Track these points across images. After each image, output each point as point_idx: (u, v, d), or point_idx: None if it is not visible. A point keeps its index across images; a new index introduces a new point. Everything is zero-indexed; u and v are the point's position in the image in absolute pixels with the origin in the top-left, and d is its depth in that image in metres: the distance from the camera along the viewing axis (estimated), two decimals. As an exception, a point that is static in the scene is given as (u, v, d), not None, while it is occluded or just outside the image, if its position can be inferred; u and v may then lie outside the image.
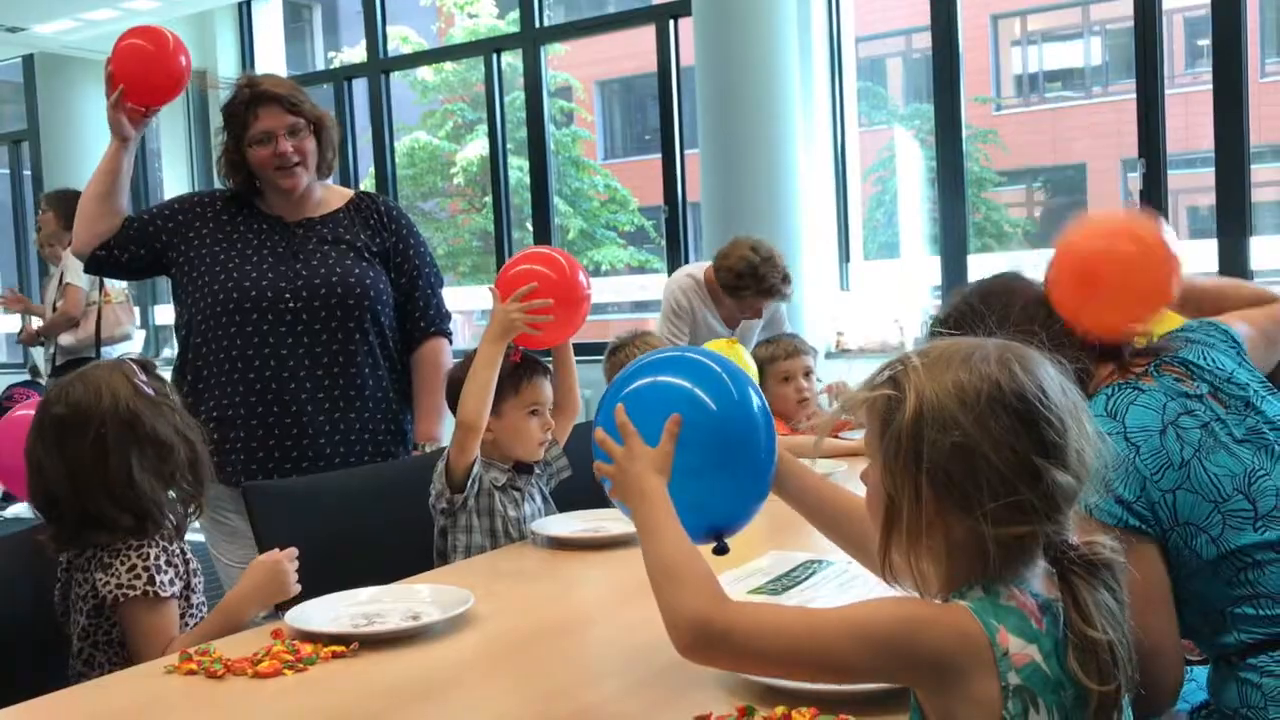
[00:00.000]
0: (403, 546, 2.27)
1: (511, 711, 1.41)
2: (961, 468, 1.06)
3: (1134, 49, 4.85)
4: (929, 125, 5.49)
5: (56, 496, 1.79)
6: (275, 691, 1.47)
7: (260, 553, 1.90)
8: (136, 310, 5.76)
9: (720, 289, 3.80)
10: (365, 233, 2.65)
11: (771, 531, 2.02)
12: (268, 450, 2.50)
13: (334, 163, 2.64)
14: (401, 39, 10.70)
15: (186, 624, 1.81)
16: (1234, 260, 4.59)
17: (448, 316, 2.77)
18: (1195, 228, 9.39)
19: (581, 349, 2.59)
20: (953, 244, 5.30)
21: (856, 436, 2.71)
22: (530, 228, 6.90)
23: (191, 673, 1.53)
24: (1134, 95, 4.86)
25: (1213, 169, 4.64)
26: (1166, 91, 4.80)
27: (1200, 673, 1.62)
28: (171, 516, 1.83)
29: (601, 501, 1.43)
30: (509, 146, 7.03)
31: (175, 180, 8.14)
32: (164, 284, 7.28)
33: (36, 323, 5.67)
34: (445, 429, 2.51)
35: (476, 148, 11.68)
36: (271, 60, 7.81)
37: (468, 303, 7.89)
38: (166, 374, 2.09)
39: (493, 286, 2.24)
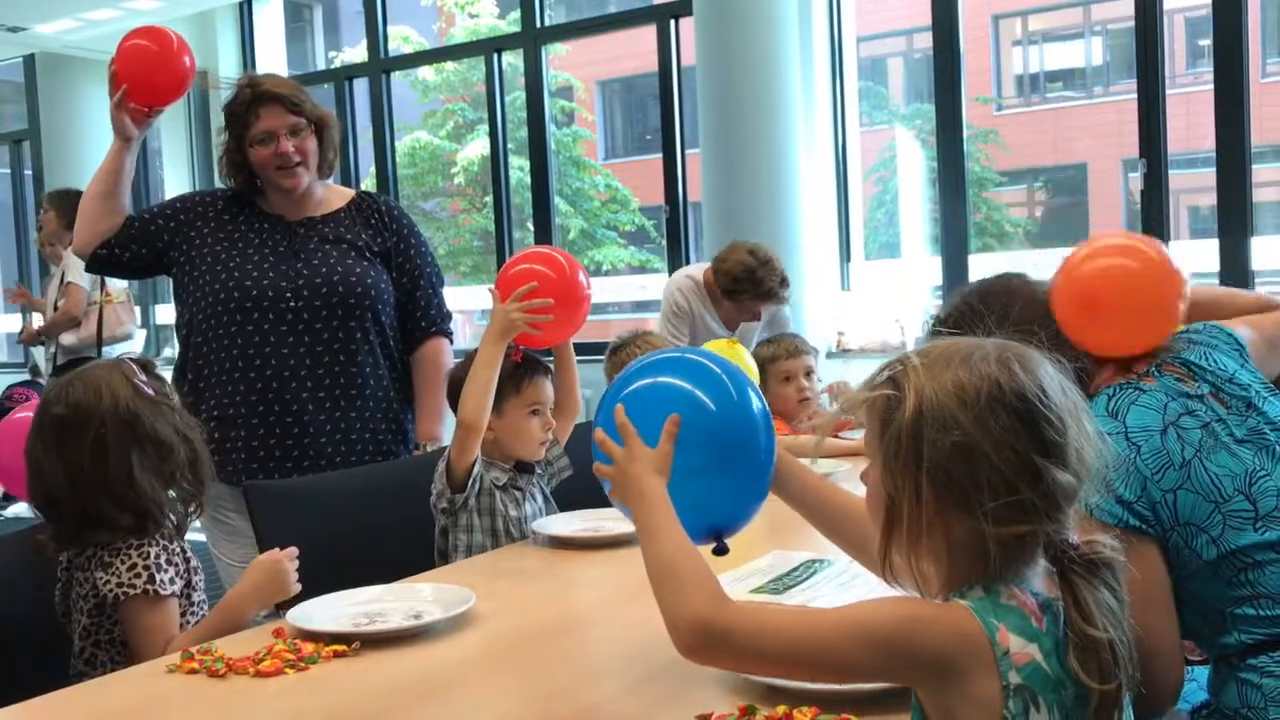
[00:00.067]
0: (404, 546, 2.27)
1: (513, 710, 1.41)
2: (962, 467, 1.06)
3: (1135, 49, 4.85)
4: (930, 125, 5.49)
5: (56, 496, 1.79)
6: (277, 691, 1.47)
7: (261, 552, 1.90)
8: (137, 310, 5.76)
9: (718, 292, 3.81)
10: (366, 232, 2.65)
11: (772, 531, 2.03)
12: (269, 449, 2.50)
13: (335, 163, 2.65)
14: (402, 39, 10.70)
15: (187, 622, 1.82)
16: (1235, 261, 4.59)
17: (449, 316, 2.77)
18: (1196, 228, 9.38)
19: (582, 349, 2.59)
20: (954, 244, 5.30)
21: (857, 436, 2.71)
22: (531, 227, 6.90)
23: (193, 672, 1.53)
24: (1135, 95, 4.86)
25: (1214, 169, 4.64)
26: (1167, 91, 4.80)
27: (1201, 673, 1.62)
28: (172, 516, 1.83)
29: (602, 501, 1.43)
30: (510, 146, 7.03)
31: (176, 180, 8.14)
32: (165, 283, 7.30)
33: (37, 322, 5.68)
34: (446, 428, 2.51)
35: (477, 147, 11.69)
36: (272, 60, 7.81)
37: (468, 302, 7.90)
38: (167, 373, 2.10)
39: (492, 288, 2.24)
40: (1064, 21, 13.00)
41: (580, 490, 2.31)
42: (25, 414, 2.14)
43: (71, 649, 1.80)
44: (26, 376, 6.89)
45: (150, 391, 1.84)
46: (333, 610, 1.74)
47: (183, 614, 1.81)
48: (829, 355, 5.27)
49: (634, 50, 9.51)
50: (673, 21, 5.99)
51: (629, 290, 10.34)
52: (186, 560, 1.84)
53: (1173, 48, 10.11)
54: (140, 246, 2.58)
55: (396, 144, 7.50)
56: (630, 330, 3.26)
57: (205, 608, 1.86)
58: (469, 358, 2.23)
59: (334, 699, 1.44)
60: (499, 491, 2.26)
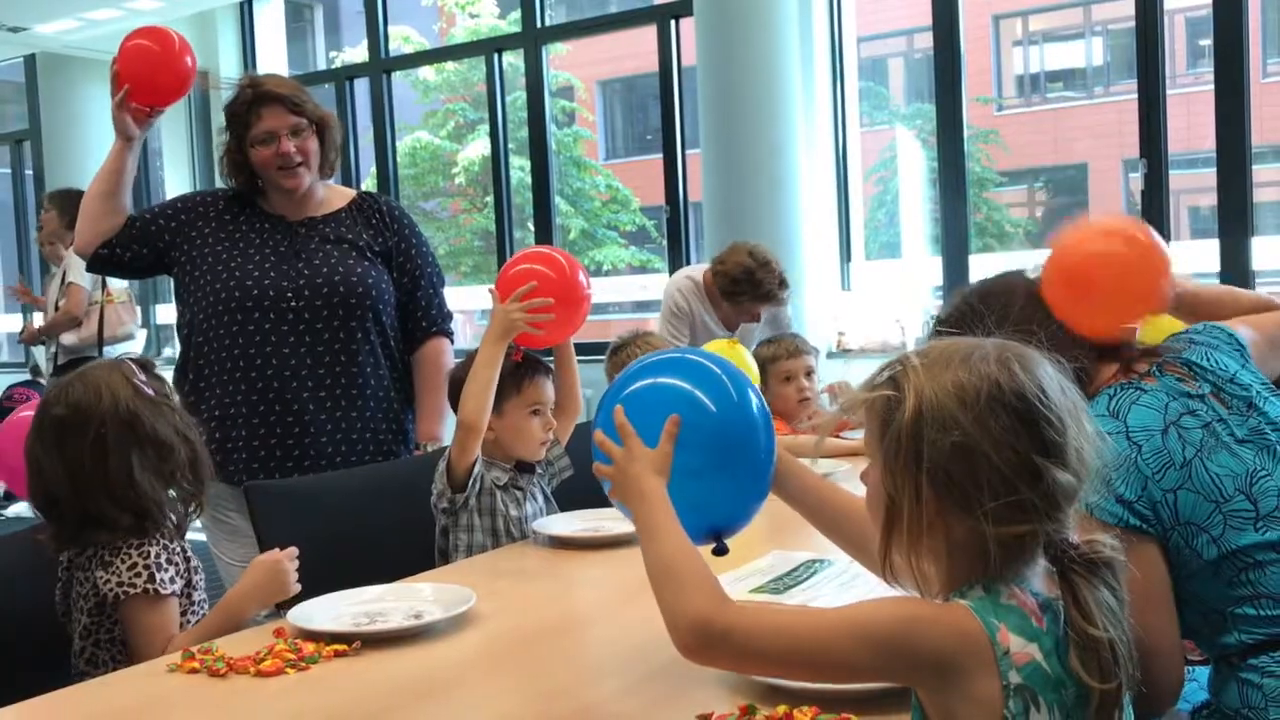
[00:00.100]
0: (404, 546, 2.27)
1: (513, 710, 1.41)
2: (962, 467, 1.06)
3: (1135, 49, 4.85)
4: (930, 125, 5.49)
5: (57, 496, 1.79)
6: (277, 690, 1.47)
7: (262, 551, 1.91)
8: (138, 309, 5.77)
9: (718, 293, 3.81)
10: (368, 232, 2.65)
11: (773, 531, 2.03)
12: (269, 449, 2.50)
13: (336, 163, 2.65)
14: (403, 39, 10.70)
15: (188, 622, 1.82)
16: (1235, 261, 4.59)
17: (449, 316, 2.77)
18: (1197, 228, 9.38)
19: (583, 349, 2.59)
20: (954, 244, 5.30)
21: (857, 436, 2.71)
22: (532, 227, 6.90)
23: (194, 671, 1.53)
24: (1135, 95, 4.86)
25: (1214, 169, 4.64)
26: (1168, 92, 4.80)
27: (1201, 673, 1.62)
28: (172, 515, 1.83)
29: (603, 501, 1.44)
30: (510, 146, 7.03)
31: (177, 180, 8.15)
32: (165, 283, 7.31)
33: (38, 322, 5.68)
34: (447, 429, 2.51)
35: (478, 147, 11.69)
36: (273, 60, 7.81)
37: (469, 302, 7.90)
38: (168, 373, 2.10)
39: (492, 288, 2.24)
40: (1064, 21, 13.00)
41: (581, 490, 2.31)
42: (29, 413, 2.14)
43: (72, 648, 1.80)
44: (27, 376, 6.89)
45: (150, 392, 1.84)
46: (333, 610, 1.74)
47: (183, 613, 1.81)
48: (829, 355, 5.27)
49: (634, 50, 9.52)
50: (673, 21, 5.99)
51: (630, 290, 10.34)
52: (187, 560, 1.84)
53: (1173, 48, 10.11)
54: (141, 246, 2.58)
55: (397, 144, 7.51)
56: (631, 330, 3.26)
57: (205, 607, 1.86)
58: (469, 358, 2.23)
59: (335, 698, 1.44)
60: (499, 491, 2.26)
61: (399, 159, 7.62)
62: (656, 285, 6.21)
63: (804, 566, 1.90)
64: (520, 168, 7.54)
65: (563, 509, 2.39)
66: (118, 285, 5.31)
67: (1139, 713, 1.18)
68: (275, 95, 2.52)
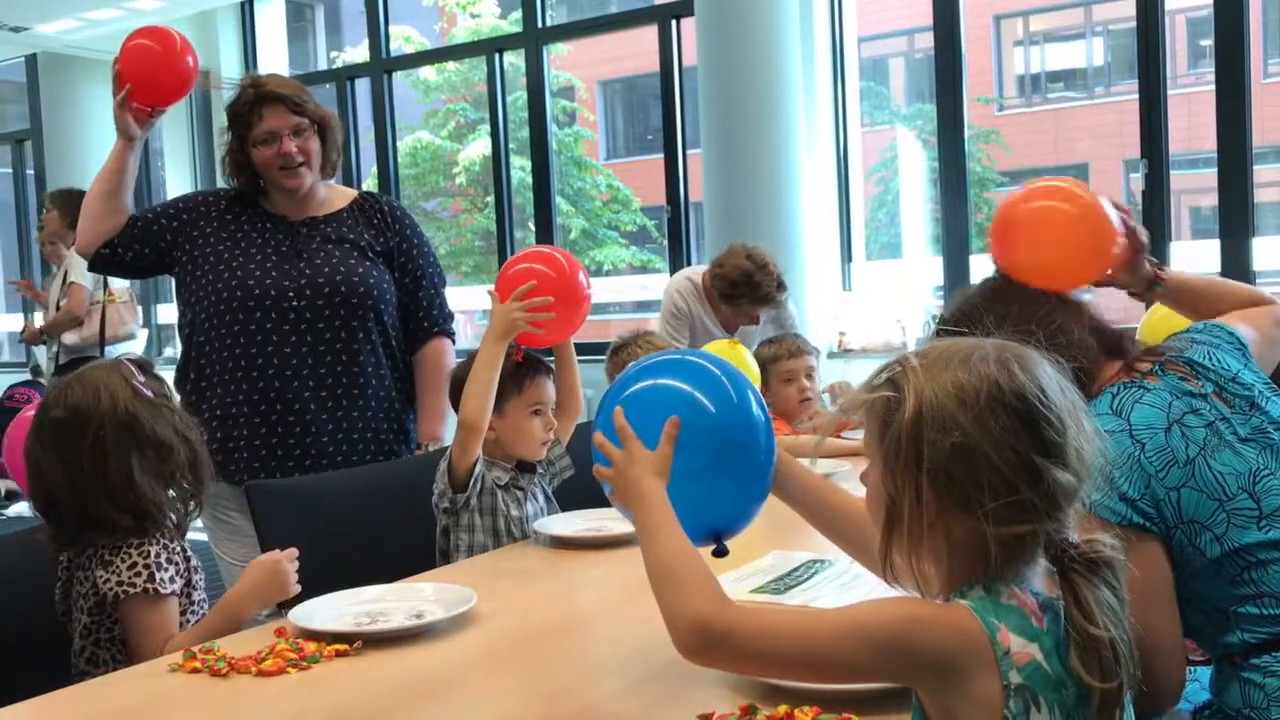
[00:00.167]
0: (405, 546, 2.27)
1: (514, 710, 1.41)
2: (962, 468, 1.06)
3: (1136, 49, 4.85)
4: (931, 125, 5.49)
5: (57, 497, 1.79)
6: (279, 690, 1.47)
7: (263, 551, 1.91)
8: (140, 309, 5.77)
9: (716, 296, 3.82)
10: (369, 232, 2.65)
11: (773, 531, 2.03)
12: (270, 449, 2.50)
13: (338, 163, 2.65)
14: (404, 39, 10.71)
15: (187, 621, 1.82)
16: (1236, 261, 4.59)
17: (451, 316, 2.78)
18: (1197, 228, 9.38)
19: (583, 349, 2.59)
20: (955, 244, 5.30)
21: (858, 436, 2.71)
22: (532, 227, 6.90)
23: (195, 671, 1.53)
24: (1136, 96, 4.86)
25: (1215, 169, 4.64)
26: (1169, 92, 4.80)
27: (1203, 673, 1.62)
28: (172, 515, 1.83)
29: (604, 501, 1.44)
30: (511, 146, 7.04)
31: (178, 179, 8.15)
32: (166, 283, 7.31)
33: (39, 322, 5.68)
34: (448, 428, 2.51)
35: (479, 147, 11.69)
36: (274, 60, 7.82)
37: (469, 302, 7.90)
38: (169, 373, 2.10)
39: (491, 290, 2.24)
40: (1065, 22, 13.01)
41: (582, 490, 2.31)
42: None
43: (72, 648, 1.80)
44: (28, 376, 6.89)
45: (149, 393, 1.84)
46: (335, 610, 1.74)
47: (182, 613, 1.81)
48: (830, 355, 5.27)
49: (635, 50, 9.52)
50: (674, 21, 5.99)
51: (630, 290, 10.35)
52: (187, 559, 1.84)
53: (1174, 48, 10.12)
54: (143, 246, 2.59)
55: (398, 144, 7.51)
56: (631, 330, 3.26)
57: (205, 607, 1.86)
58: (470, 357, 2.23)
59: (336, 698, 1.44)
60: (500, 491, 2.26)
61: (400, 159, 7.62)
62: (657, 285, 6.21)
63: (805, 567, 1.90)
64: (521, 168, 7.54)
65: (564, 509, 2.39)
66: (119, 285, 5.31)
67: (1140, 712, 1.18)
68: (277, 95, 2.52)
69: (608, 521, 2.21)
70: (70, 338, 5.28)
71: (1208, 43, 5.10)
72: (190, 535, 1.89)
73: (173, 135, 8.06)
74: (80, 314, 5.20)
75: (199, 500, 1.90)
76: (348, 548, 2.24)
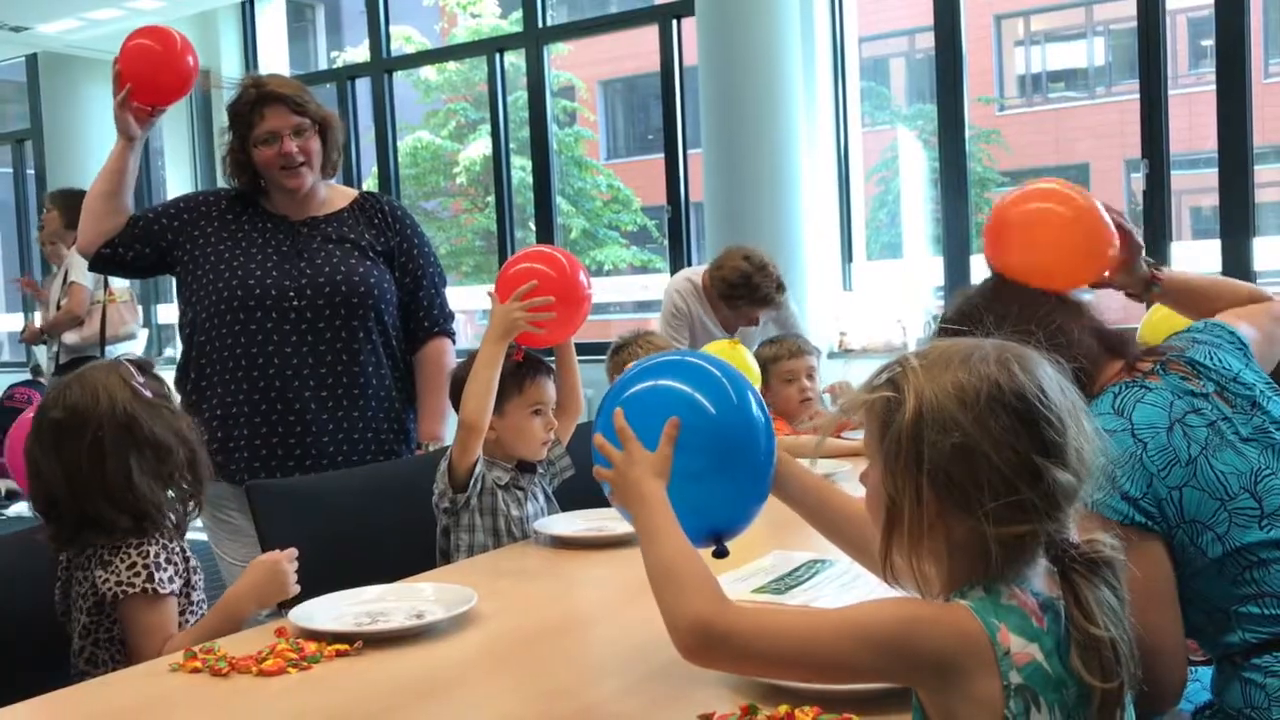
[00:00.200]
0: (406, 545, 2.27)
1: (514, 710, 1.41)
2: (962, 468, 1.06)
3: (1137, 49, 4.85)
4: (932, 125, 5.49)
5: (56, 498, 1.79)
6: (279, 690, 1.47)
7: (264, 551, 1.90)
8: (140, 309, 5.77)
9: (716, 297, 3.82)
10: (370, 232, 2.65)
11: (774, 531, 2.02)
12: (271, 448, 2.50)
13: (339, 163, 2.65)
14: (404, 39, 10.71)
15: (186, 621, 1.81)
16: (1237, 261, 4.59)
17: (451, 316, 2.78)
18: (1198, 229, 9.38)
19: (584, 349, 2.59)
20: (955, 244, 5.30)
21: (859, 436, 2.71)
22: (533, 227, 6.90)
23: (196, 671, 1.53)
24: (1137, 96, 4.86)
25: (1216, 170, 4.64)
26: (1170, 92, 4.80)
27: (1204, 673, 1.62)
28: (171, 515, 1.83)
29: (604, 501, 1.44)
30: (512, 146, 7.04)
31: (178, 179, 8.15)
32: (167, 283, 7.31)
33: (39, 321, 5.68)
34: (448, 428, 2.51)
35: (479, 147, 11.69)
36: (275, 60, 7.82)
37: (470, 302, 7.90)
38: (169, 373, 2.09)
39: (491, 291, 2.24)
40: (1066, 22, 13.01)
41: (582, 490, 2.31)
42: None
43: (71, 648, 1.80)
44: (28, 376, 6.89)
45: (148, 393, 1.84)
46: (335, 609, 1.74)
47: (182, 613, 1.81)
48: (831, 355, 5.27)
49: (636, 50, 9.52)
50: (674, 21, 5.99)
51: (631, 290, 10.35)
52: (186, 559, 1.84)
53: (1175, 48, 10.12)
54: (144, 246, 2.59)
55: (398, 144, 7.51)
56: (632, 330, 3.26)
57: (204, 607, 1.86)
58: (471, 357, 2.23)
59: (336, 698, 1.44)
60: (501, 491, 2.26)
61: (400, 159, 7.62)
62: (658, 285, 6.21)
63: (805, 567, 1.90)
64: (521, 167, 7.54)
65: (564, 509, 2.39)
66: (120, 285, 5.31)
67: (1141, 712, 1.18)
68: (278, 95, 2.52)
69: (608, 521, 2.21)
70: (71, 337, 5.28)
71: (1208, 43, 5.10)
72: (191, 535, 1.89)
73: (173, 135, 8.06)
74: (81, 313, 5.20)
75: (198, 501, 1.90)
76: (348, 547, 2.24)
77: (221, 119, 2.63)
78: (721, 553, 1.38)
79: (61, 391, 1.82)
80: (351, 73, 7.54)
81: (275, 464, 2.50)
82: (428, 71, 12.06)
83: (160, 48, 2.52)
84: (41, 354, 6.51)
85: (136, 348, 5.55)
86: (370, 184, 7.65)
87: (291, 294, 2.51)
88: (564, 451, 2.42)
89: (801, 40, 5.17)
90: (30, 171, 8.99)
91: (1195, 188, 8.34)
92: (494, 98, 6.86)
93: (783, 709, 1.28)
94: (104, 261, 2.60)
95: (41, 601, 1.84)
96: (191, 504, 1.89)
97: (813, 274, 5.17)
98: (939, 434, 1.06)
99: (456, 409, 2.21)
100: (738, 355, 2.87)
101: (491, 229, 8.65)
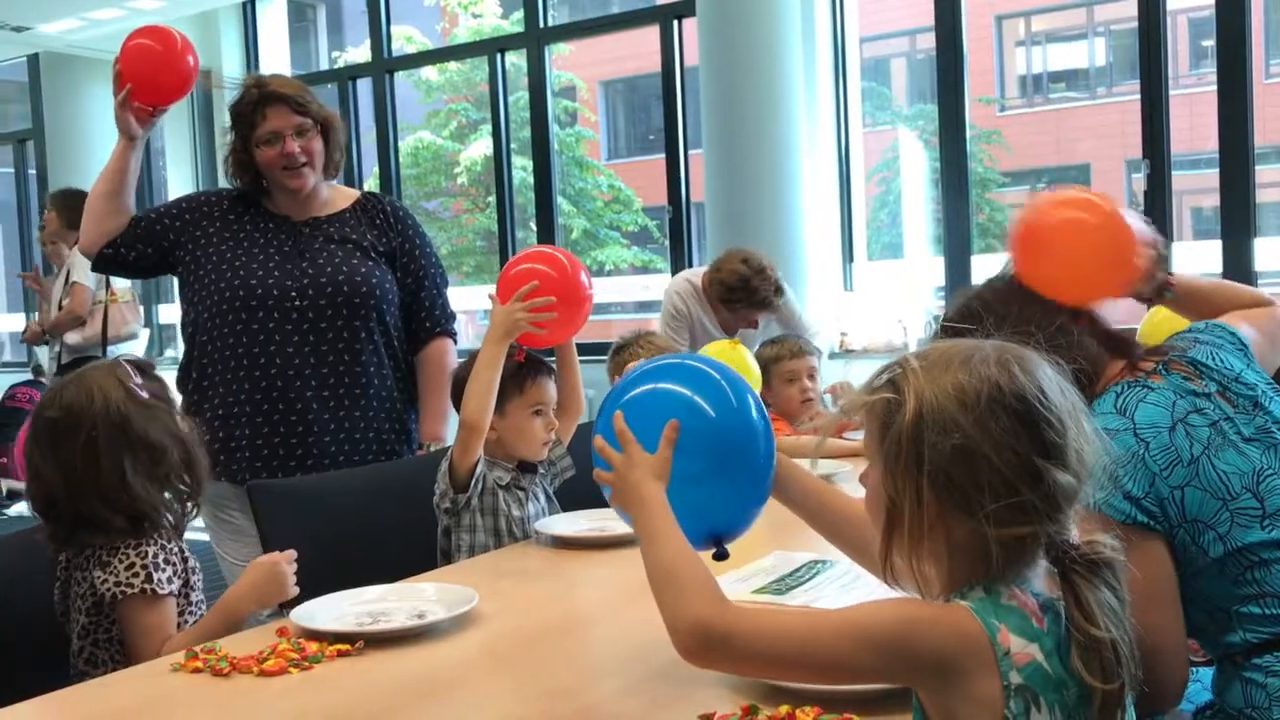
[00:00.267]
0: (407, 545, 2.27)
1: (516, 710, 1.41)
2: (962, 470, 1.06)
3: (1138, 50, 4.85)
4: (933, 126, 5.49)
5: (55, 498, 1.79)
6: (280, 690, 1.48)
7: (265, 551, 1.90)
8: (142, 309, 5.77)
9: (714, 299, 3.82)
10: (372, 232, 2.65)
11: (775, 532, 2.02)
12: (273, 448, 2.51)
13: (341, 163, 2.65)
14: (406, 39, 10.71)
15: (185, 622, 1.81)
16: (1238, 262, 4.59)
17: (453, 317, 2.78)
18: (1199, 229, 9.38)
19: (585, 349, 2.59)
20: (956, 245, 5.30)
21: (860, 437, 2.71)
22: (534, 227, 6.90)
23: (198, 671, 1.53)
24: (1138, 96, 4.86)
25: (1217, 170, 4.64)
26: (1171, 92, 4.80)
27: (1205, 673, 1.62)
28: (169, 516, 1.83)
29: (605, 501, 1.44)
30: (513, 146, 7.04)
31: (179, 179, 8.15)
32: (168, 283, 7.31)
33: (39, 321, 5.68)
34: (450, 429, 2.52)
35: (480, 147, 11.69)
36: (276, 60, 7.82)
37: (471, 302, 7.91)
38: (171, 373, 2.09)
39: (492, 294, 2.24)
40: (1067, 22, 13.00)
41: (583, 490, 2.31)
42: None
43: (71, 648, 1.80)
44: (30, 376, 6.89)
45: (145, 394, 1.83)
46: (336, 610, 1.74)
47: (181, 613, 1.81)
48: (831, 356, 5.27)
49: (637, 50, 9.51)
50: (676, 22, 5.99)
51: (632, 290, 10.36)
52: (184, 560, 1.84)
53: (1176, 48, 10.11)
54: (146, 246, 2.59)
55: (400, 144, 7.51)
56: (633, 330, 3.27)
57: (204, 607, 1.86)
58: (472, 358, 2.23)
59: (337, 698, 1.44)
60: (502, 491, 2.26)
61: (401, 159, 7.63)
62: (659, 285, 6.21)
63: (806, 567, 1.90)
64: (522, 168, 7.54)
65: (565, 509, 2.39)
66: (121, 285, 5.32)
67: (1142, 712, 1.18)
68: (280, 95, 2.52)
69: (609, 522, 2.21)
70: (73, 337, 5.29)
71: (1209, 43, 5.10)
72: (192, 535, 1.89)
73: (174, 135, 8.06)
74: (83, 314, 5.21)
75: (196, 502, 1.90)
76: (349, 547, 2.24)
77: (223, 119, 2.63)
78: (721, 555, 1.39)
79: (58, 391, 1.83)
80: (352, 73, 7.54)
81: (277, 464, 2.50)
82: (429, 72, 12.06)
83: (160, 48, 2.52)
84: (43, 354, 6.51)
85: (138, 348, 5.55)
86: (371, 184, 7.65)
87: (293, 294, 2.51)
88: (565, 452, 2.42)
89: (802, 40, 5.17)
90: (32, 171, 8.99)
91: (1196, 188, 8.34)
92: (495, 98, 6.86)
93: (784, 709, 1.28)
94: (106, 261, 2.60)
95: (41, 601, 1.84)
96: (190, 505, 1.89)
97: (814, 274, 5.17)
98: (939, 435, 1.06)
99: (458, 409, 2.21)
100: (738, 356, 2.87)
101: (492, 229, 8.65)
